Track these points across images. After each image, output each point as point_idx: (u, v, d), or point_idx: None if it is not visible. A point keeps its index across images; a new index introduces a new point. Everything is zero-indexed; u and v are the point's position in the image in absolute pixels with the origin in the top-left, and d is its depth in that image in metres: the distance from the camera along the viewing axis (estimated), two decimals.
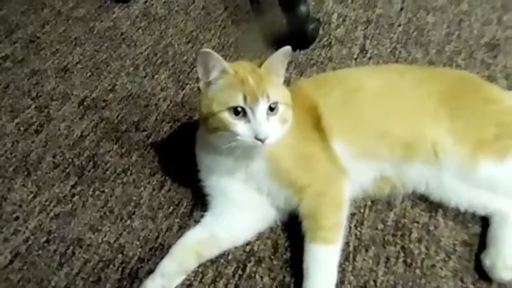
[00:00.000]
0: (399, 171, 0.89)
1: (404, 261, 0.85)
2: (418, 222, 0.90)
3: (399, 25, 1.36)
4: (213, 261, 0.87)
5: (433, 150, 0.87)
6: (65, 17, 1.47)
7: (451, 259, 0.85)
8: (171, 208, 0.97)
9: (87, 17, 1.46)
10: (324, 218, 0.84)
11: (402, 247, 0.87)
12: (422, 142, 0.87)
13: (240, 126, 0.79)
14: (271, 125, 0.80)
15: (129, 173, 1.04)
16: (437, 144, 0.87)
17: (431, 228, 0.89)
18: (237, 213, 0.89)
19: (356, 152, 0.88)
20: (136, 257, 0.89)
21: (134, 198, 0.99)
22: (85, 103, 1.20)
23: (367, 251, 0.87)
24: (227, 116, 0.79)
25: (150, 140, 1.11)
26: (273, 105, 0.81)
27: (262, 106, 0.79)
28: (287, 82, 1.16)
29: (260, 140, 0.79)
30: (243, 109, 0.79)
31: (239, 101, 0.79)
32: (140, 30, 1.41)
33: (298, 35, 1.27)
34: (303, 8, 1.22)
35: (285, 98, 0.84)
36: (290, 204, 0.87)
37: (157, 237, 0.92)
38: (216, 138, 0.83)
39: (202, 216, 0.91)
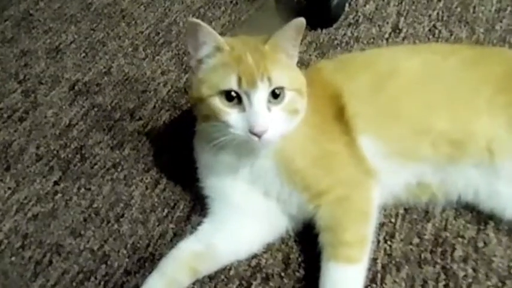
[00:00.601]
0: (442, 175, 0.73)
1: (446, 286, 0.69)
2: (463, 237, 0.74)
3: (439, 0, 1.17)
4: (211, 278, 0.73)
5: (487, 149, 0.70)
6: None
7: (505, 285, 0.68)
8: (166, 211, 0.83)
9: None
10: (347, 231, 0.69)
11: (443, 267, 0.71)
12: (473, 139, 0.71)
13: (232, 116, 0.65)
14: (272, 116, 0.65)
15: (120, 168, 0.90)
16: (492, 142, 0.70)
17: (480, 244, 0.73)
18: (240, 220, 0.74)
19: (388, 150, 0.72)
20: (122, 269, 0.76)
21: (124, 198, 0.85)
22: (76, 87, 1.07)
23: (399, 270, 0.71)
24: (218, 102, 0.65)
25: (146, 130, 0.97)
26: (277, 91, 0.65)
27: (262, 91, 0.64)
28: (306, 66, 1.00)
29: (255, 134, 0.63)
30: (237, 94, 0.65)
31: (232, 84, 0.64)
32: (142, 6, 1.27)
33: (320, 11, 1.11)
34: None
35: (295, 83, 0.68)
36: (305, 212, 0.72)
37: (148, 246, 0.78)
38: (209, 129, 0.69)
39: (200, 222, 0.77)
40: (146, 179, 0.88)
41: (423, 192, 0.75)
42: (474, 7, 1.14)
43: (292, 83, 0.67)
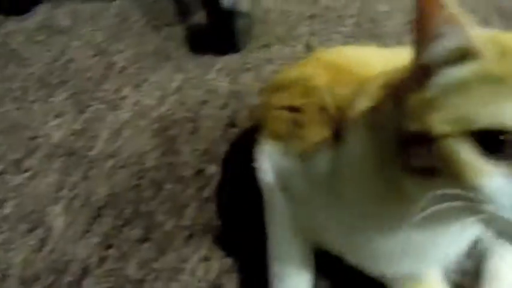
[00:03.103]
0: None
1: None
2: None
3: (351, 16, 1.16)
4: None
5: None
6: None
7: None
8: (52, 278, 0.69)
9: None
10: None
11: None
12: None
13: (495, 180, 0.35)
14: None
15: None
16: None
17: None
18: None
19: None
20: None
21: (1, 268, 0.71)
22: None
23: None
24: (466, 151, 0.36)
25: (33, 182, 0.83)
26: None
27: None
28: (215, 93, 0.92)
29: None
30: (508, 142, 0.35)
31: (506, 119, 0.34)
32: (36, 45, 1.15)
33: (224, 37, 1.05)
34: (225, 0, 0.98)
35: None
36: None
37: None
38: (417, 193, 0.39)
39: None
40: (30, 241, 0.74)
41: None
42: (380, 21, 1.14)
43: None
